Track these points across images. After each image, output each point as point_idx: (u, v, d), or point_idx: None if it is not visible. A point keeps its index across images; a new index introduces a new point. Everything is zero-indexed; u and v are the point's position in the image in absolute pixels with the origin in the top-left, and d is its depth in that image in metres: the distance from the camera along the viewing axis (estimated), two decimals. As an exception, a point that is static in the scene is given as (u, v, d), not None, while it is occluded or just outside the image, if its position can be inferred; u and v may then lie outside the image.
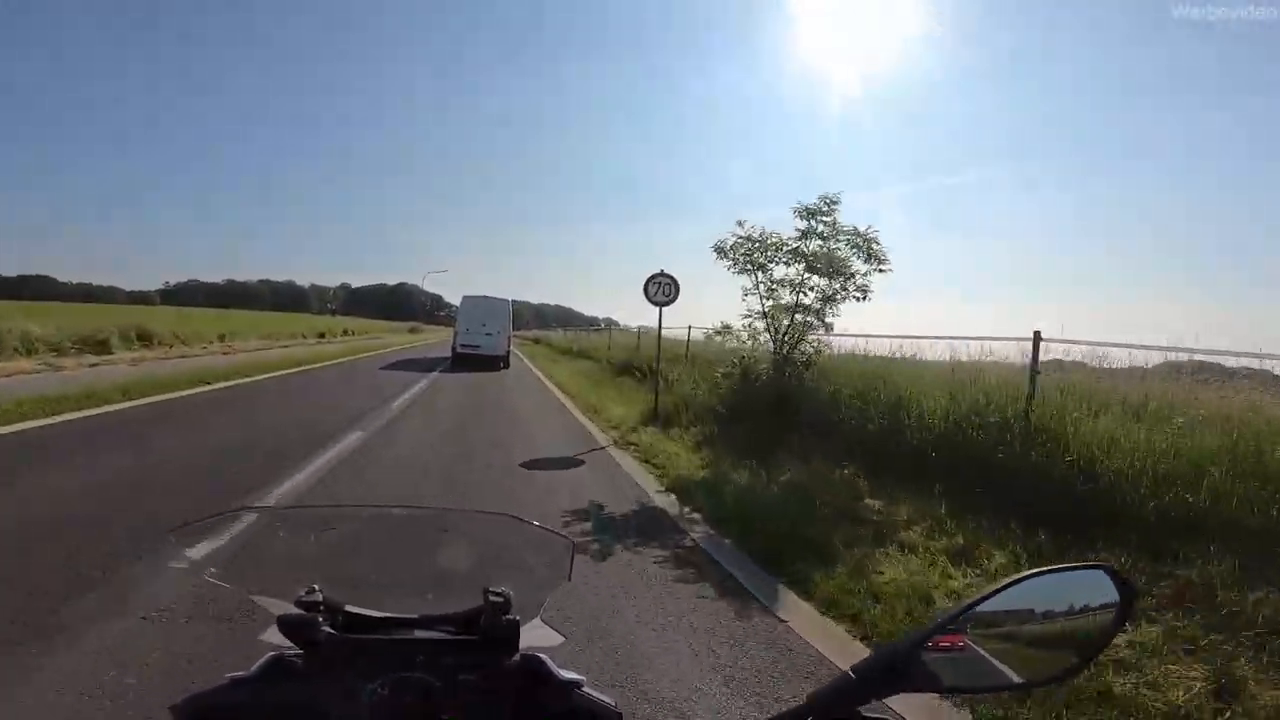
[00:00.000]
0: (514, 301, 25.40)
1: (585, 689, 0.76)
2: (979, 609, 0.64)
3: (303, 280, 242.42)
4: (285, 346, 27.67)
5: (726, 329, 9.66)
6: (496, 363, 20.42)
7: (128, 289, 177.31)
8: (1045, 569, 0.66)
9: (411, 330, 74.63)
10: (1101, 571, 0.66)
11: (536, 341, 51.71)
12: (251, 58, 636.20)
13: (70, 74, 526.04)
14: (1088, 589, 0.65)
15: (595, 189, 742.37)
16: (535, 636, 0.81)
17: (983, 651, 0.64)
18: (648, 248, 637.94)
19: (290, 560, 0.97)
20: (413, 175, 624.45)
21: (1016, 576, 0.65)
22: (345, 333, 44.85)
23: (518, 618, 0.77)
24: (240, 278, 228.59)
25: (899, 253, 8.80)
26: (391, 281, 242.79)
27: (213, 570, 0.95)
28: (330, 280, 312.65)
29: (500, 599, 0.77)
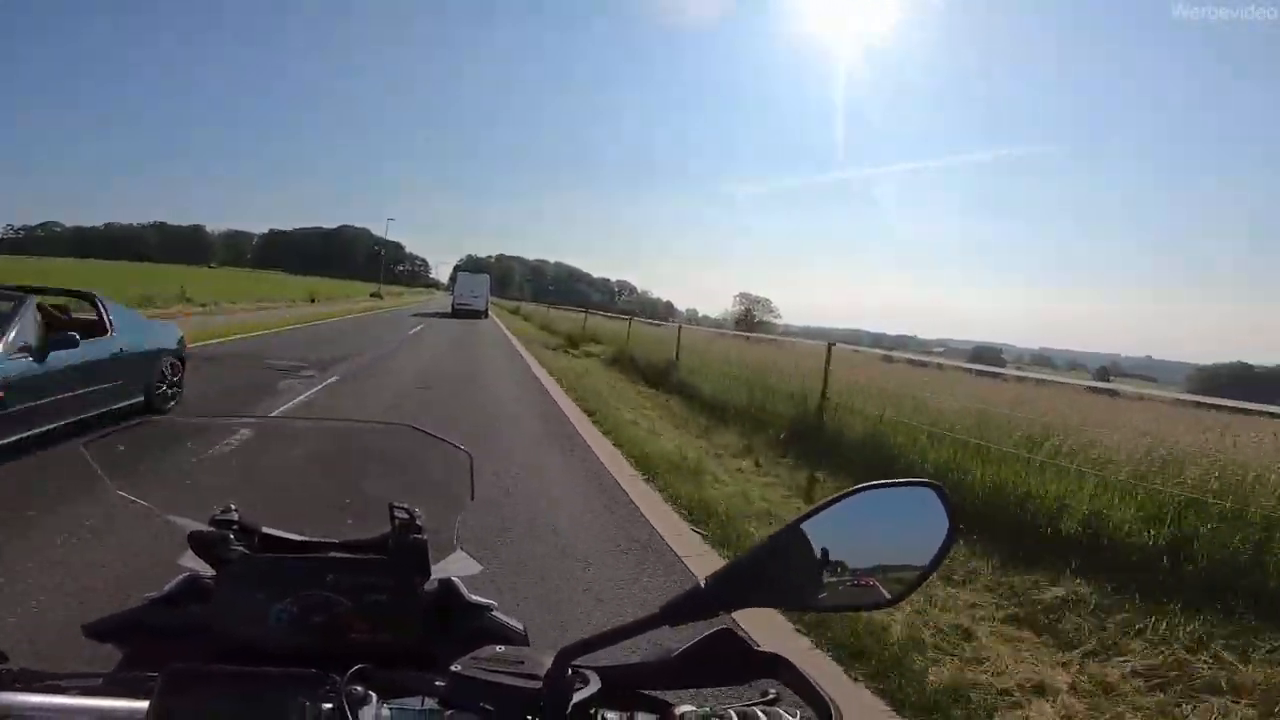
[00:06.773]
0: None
1: (495, 613, 0.80)
2: (812, 520, 0.60)
3: (216, 226, 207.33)
4: None
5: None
6: (479, 315, 35.07)
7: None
8: (875, 484, 0.62)
9: (373, 295, 54.54)
10: (930, 489, 0.63)
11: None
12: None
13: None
14: (917, 506, 0.63)
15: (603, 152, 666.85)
16: (456, 565, 0.84)
17: (825, 568, 0.61)
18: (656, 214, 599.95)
19: (205, 478, 0.95)
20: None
21: (848, 490, 0.61)
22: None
23: (425, 537, 0.78)
24: (127, 220, 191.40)
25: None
26: (330, 225, 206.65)
27: (123, 485, 0.87)
28: (256, 226, 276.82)
29: (405, 515, 0.78)
